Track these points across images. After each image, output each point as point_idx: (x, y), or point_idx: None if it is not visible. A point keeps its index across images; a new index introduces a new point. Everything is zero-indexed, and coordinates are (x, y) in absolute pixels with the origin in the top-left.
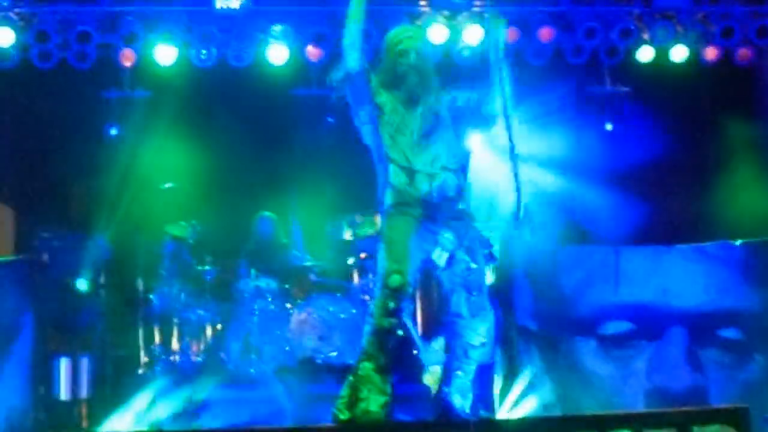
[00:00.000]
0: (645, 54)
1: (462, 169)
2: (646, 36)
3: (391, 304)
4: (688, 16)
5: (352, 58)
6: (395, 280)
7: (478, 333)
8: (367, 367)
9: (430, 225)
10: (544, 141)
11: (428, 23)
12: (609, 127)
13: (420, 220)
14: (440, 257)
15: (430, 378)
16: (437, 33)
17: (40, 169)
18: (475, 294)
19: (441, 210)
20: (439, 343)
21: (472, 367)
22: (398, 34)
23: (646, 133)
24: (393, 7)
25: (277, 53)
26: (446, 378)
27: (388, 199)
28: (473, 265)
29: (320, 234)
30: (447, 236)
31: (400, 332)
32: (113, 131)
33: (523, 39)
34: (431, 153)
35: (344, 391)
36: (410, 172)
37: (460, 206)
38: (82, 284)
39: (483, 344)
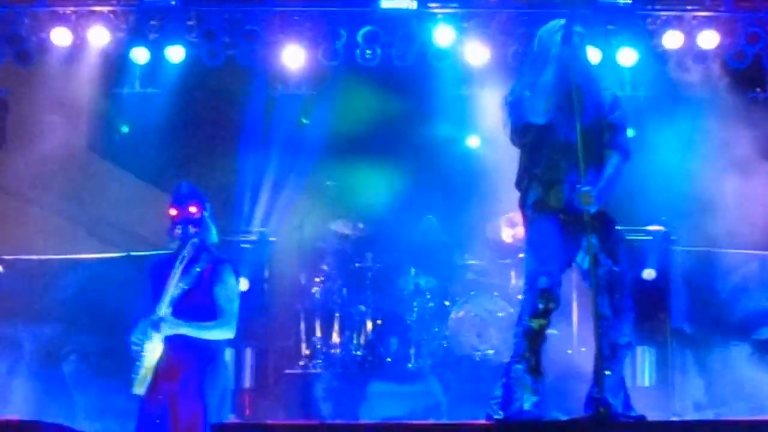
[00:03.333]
0: None
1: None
2: None
3: (540, 306)
4: None
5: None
6: (543, 281)
7: (623, 332)
8: (518, 368)
9: (574, 229)
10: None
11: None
12: None
13: (564, 224)
14: (584, 260)
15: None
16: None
17: (206, 166)
18: (618, 295)
19: (583, 215)
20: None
21: (620, 366)
22: (556, 22)
23: None
24: (553, 9)
25: (439, 53)
26: (596, 378)
27: (533, 203)
28: (616, 268)
29: (480, 234)
30: (592, 240)
31: (553, 332)
32: (304, 120)
33: (685, 43)
34: (574, 162)
35: (498, 392)
36: (551, 183)
37: (602, 210)
38: (243, 283)
39: (628, 344)
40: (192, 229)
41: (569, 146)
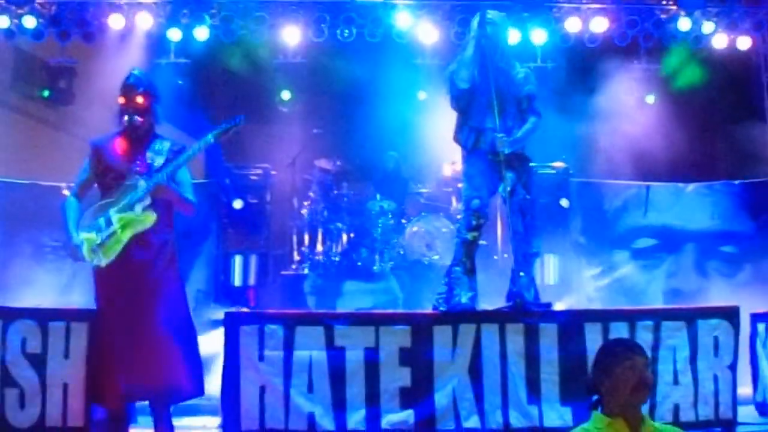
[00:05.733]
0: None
1: (518, 127)
2: (673, 26)
3: (473, 221)
4: (703, 13)
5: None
6: (476, 203)
7: (532, 245)
8: (457, 270)
9: (497, 166)
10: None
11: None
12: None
13: (491, 162)
14: (504, 190)
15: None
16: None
17: (225, 117)
18: (528, 217)
19: (505, 155)
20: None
21: (530, 269)
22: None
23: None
24: (483, 1)
25: (400, 33)
26: (513, 278)
27: (469, 146)
28: (527, 197)
29: (429, 169)
30: (509, 175)
31: (483, 242)
32: (284, 98)
33: (581, 27)
34: (495, 115)
35: (441, 289)
36: (481, 131)
37: (519, 151)
38: (237, 203)
39: (536, 253)
40: (138, 119)
41: (491, 104)
